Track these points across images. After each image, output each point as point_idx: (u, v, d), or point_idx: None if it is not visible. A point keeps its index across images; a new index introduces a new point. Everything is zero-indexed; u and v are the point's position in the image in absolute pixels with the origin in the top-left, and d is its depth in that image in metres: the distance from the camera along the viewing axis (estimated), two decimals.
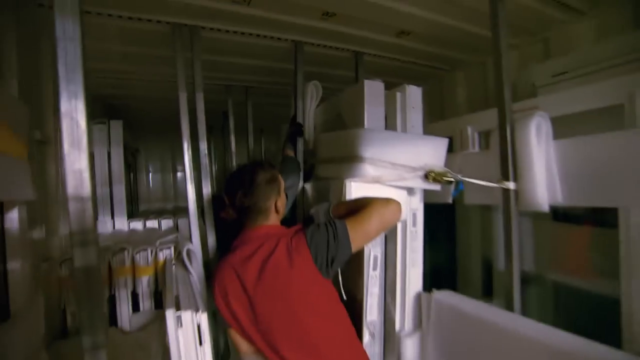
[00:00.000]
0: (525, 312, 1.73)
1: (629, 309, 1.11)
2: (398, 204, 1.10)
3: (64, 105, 0.70)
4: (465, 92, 2.40)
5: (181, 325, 1.08)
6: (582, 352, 0.90)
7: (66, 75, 0.69)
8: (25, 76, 1.20)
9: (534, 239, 1.71)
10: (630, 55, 1.42)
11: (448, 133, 1.87)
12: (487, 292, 1.84)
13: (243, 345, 1.10)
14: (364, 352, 1.14)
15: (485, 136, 1.75)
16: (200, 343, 1.14)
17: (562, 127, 1.34)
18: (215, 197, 1.73)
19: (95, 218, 0.73)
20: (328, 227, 1.03)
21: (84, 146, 0.72)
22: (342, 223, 1.03)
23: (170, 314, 1.06)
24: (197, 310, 1.13)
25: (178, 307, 1.12)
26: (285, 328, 1.01)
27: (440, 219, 2.33)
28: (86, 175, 0.73)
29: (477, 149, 1.73)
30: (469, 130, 1.72)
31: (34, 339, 0.85)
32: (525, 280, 1.78)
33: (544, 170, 1.27)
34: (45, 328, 1.16)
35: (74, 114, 0.71)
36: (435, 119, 2.48)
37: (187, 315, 1.08)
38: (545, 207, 1.27)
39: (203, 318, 1.13)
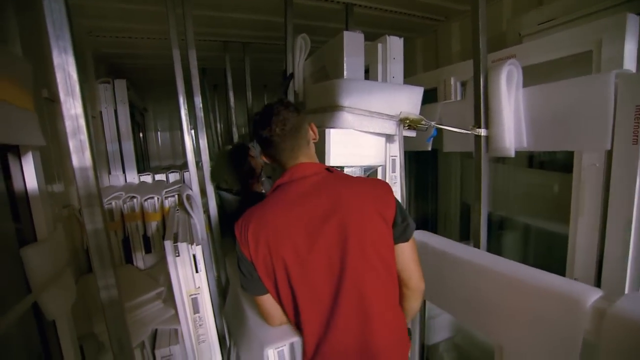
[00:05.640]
0: (500, 251, 1.87)
1: (573, 243, 1.22)
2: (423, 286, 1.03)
3: (56, 59, 0.81)
4: (459, 43, 2.37)
5: (178, 254, 1.26)
6: (524, 276, 1.03)
7: (54, 32, 0.80)
8: (27, 38, 1.30)
9: (511, 185, 1.80)
10: (609, 1, 1.40)
11: (434, 83, 1.91)
12: (466, 237, 1.96)
13: (278, 310, 1.01)
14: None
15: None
16: (197, 271, 1.33)
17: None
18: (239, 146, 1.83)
19: (93, 156, 0.86)
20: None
21: (77, 94, 0.84)
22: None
23: (168, 244, 1.24)
24: (192, 243, 1.31)
25: (176, 240, 1.30)
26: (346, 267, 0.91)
27: (426, 168, 2.43)
28: (82, 120, 0.85)
29: (459, 98, 1.77)
30: (452, 80, 1.76)
31: (59, 259, 1.03)
32: (503, 223, 1.91)
33: (512, 117, 1.33)
34: (72, 262, 1.35)
35: (65, 66, 0.82)
36: (431, 69, 2.48)
37: (183, 246, 1.26)
38: (511, 152, 1.34)
39: (197, 249, 1.31)
